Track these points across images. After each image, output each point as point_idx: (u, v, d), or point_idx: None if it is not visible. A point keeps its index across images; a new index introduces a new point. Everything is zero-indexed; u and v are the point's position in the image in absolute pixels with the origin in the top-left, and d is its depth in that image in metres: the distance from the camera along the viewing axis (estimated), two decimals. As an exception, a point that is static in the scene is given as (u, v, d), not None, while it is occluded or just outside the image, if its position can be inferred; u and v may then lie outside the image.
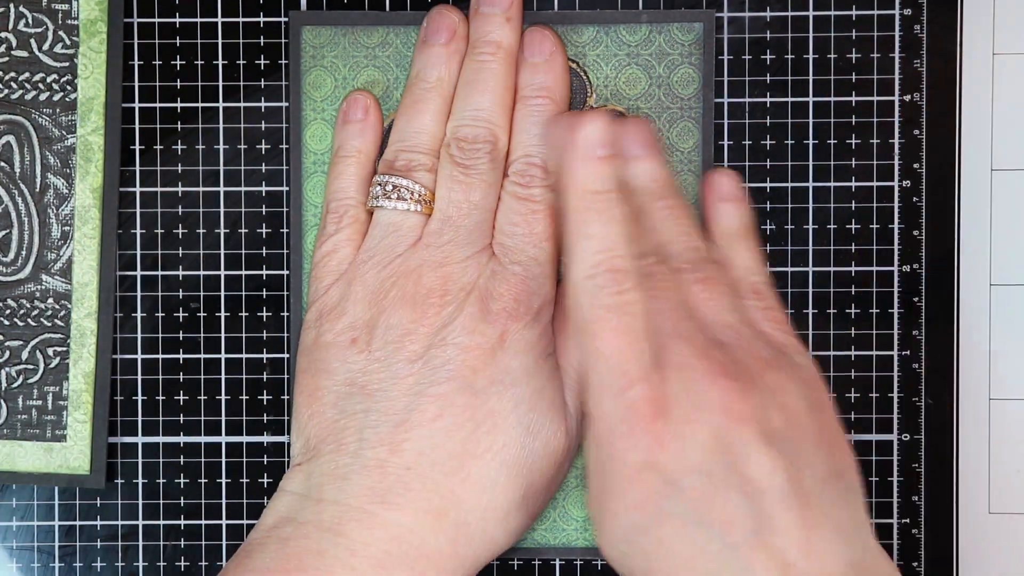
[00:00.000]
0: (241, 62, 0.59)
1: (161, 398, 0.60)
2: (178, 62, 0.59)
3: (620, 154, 0.52)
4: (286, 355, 0.60)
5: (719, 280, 0.53)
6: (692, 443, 0.48)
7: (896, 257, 0.59)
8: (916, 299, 0.59)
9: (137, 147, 0.59)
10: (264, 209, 0.59)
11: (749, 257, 0.55)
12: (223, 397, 0.60)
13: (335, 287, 0.56)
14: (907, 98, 0.59)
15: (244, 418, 0.60)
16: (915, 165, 0.59)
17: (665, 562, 0.48)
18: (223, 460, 0.60)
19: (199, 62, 0.59)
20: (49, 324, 0.59)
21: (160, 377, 0.60)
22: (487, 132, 0.55)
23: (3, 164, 0.59)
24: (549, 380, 0.54)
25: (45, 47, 0.58)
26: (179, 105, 0.59)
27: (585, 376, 0.50)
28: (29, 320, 0.59)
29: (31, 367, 0.59)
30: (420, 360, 0.53)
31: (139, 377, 0.60)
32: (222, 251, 0.60)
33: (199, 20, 0.59)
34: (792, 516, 0.47)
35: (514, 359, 0.53)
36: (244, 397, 0.60)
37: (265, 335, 0.60)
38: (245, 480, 0.60)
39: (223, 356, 0.60)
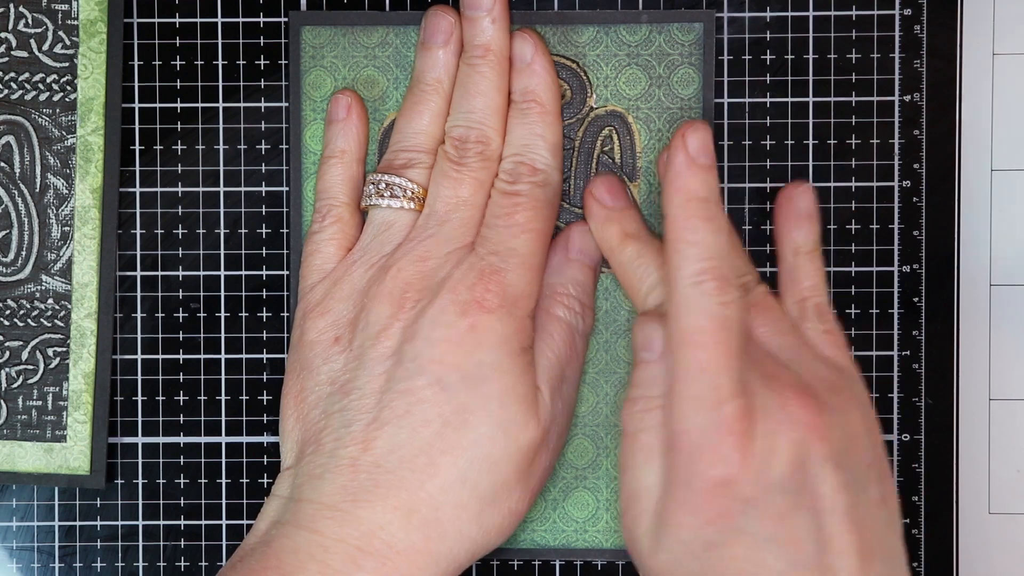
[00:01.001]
0: (241, 62, 0.59)
1: (161, 398, 0.60)
2: (178, 62, 0.59)
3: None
4: (286, 355, 0.59)
5: (771, 304, 0.53)
6: (775, 460, 0.48)
7: (896, 257, 0.59)
8: (916, 299, 0.59)
9: (137, 147, 0.59)
10: (264, 209, 0.59)
11: (816, 276, 0.54)
12: (223, 397, 0.60)
13: (320, 285, 0.56)
14: (907, 98, 0.59)
15: (244, 418, 0.60)
16: (915, 165, 0.59)
17: None
18: (223, 460, 0.60)
19: (199, 62, 0.59)
20: (49, 324, 0.59)
21: (160, 377, 0.60)
22: (479, 133, 0.55)
23: (3, 164, 0.59)
24: (522, 375, 0.53)
25: (45, 47, 0.58)
26: (179, 105, 0.59)
27: (673, 388, 0.49)
28: (29, 320, 0.59)
29: (31, 367, 0.59)
30: (393, 356, 0.53)
31: (139, 377, 0.60)
32: (222, 251, 0.60)
33: (199, 20, 0.59)
34: (849, 539, 0.48)
35: (486, 353, 0.53)
36: (244, 397, 0.60)
37: (265, 335, 0.60)
38: (245, 480, 0.60)
39: (223, 356, 0.60)
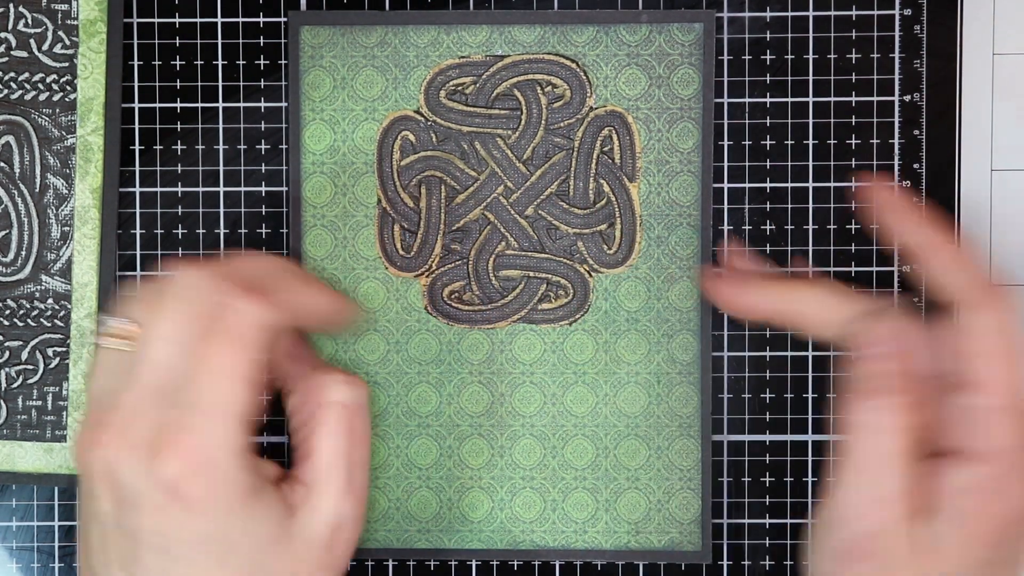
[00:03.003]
0: (241, 62, 0.59)
1: (161, 398, 0.60)
2: (178, 62, 0.59)
3: None
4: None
5: None
6: None
7: (896, 257, 0.59)
8: (916, 299, 0.59)
9: (137, 147, 0.59)
10: (264, 209, 0.59)
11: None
12: (223, 397, 0.60)
13: None
14: (907, 98, 0.59)
15: (244, 418, 0.60)
16: (915, 165, 0.59)
17: None
18: (223, 460, 0.60)
19: (199, 62, 0.59)
20: (49, 324, 0.59)
21: (160, 377, 0.60)
22: None
23: (3, 164, 0.59)
24: (246, 521, 0.50)
25: (45, 47, 0.58)
26: (179, 105, 0.59)
27: None
28: (29, 320, 0.59)
29: (31, 367, 0.59)
30: (114, 522, 0.50)
31: (139, 377, 0.60)
32: (222, 251, 0.60)
33: (199, 20, 0.59)
34: None
35: (193, 515, 0.49)
36: (244, 397, 0.60)
37: (265, 335, 0.60)
38: (245, 480, 0.60)
39: (223, 356, 0.60)
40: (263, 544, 0.50)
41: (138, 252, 0.59)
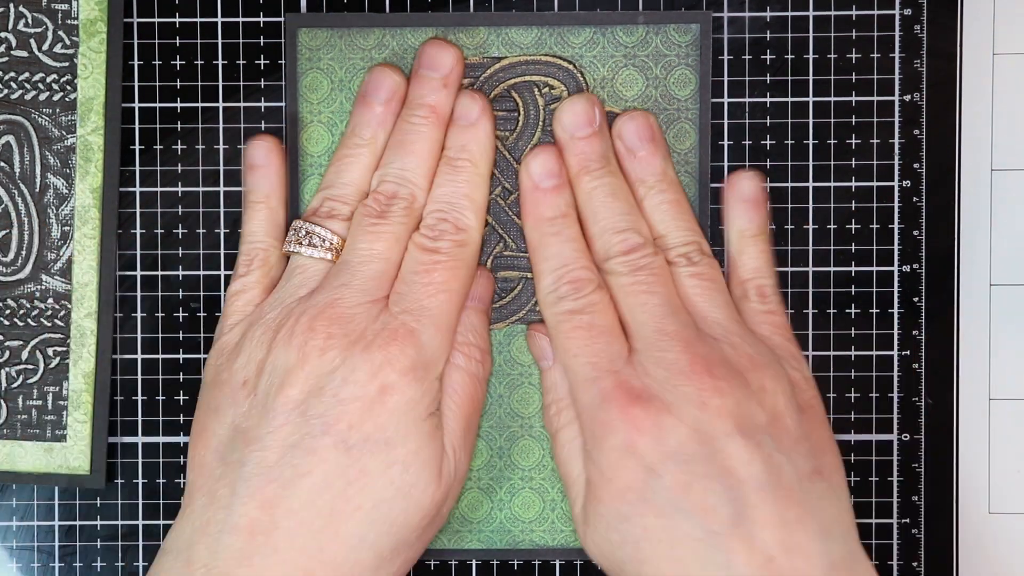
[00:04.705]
0: (240, 62, 0.59)
1: (161, 398, 0.60)
2: (178, 62, 0.59)
3: (567, 181, 0.56)
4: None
5: (714, 276, 0.55)
6: (670, 430, 0.50)
7: (896, 257, 0.59)
8: (916, 299, 0.59)
9: (137, 147, 0.59)
10: (263, 209, 0.59)
11: (759, 259, 0.57)
12: (223, 397, 0.60)
13: (238, 327, 0.55)
14: (907, 98, 0.59)
15: (243, 418, 0.60)
16: (915, 165, 0.59)
17: (650, 551, 0.50)
18: (222, 460, 0.60)
19: (199, 62, 0.59)
20: (49, 324, 0.59)
21: (160, 377, 0.60)
22: (407, 191, 0.55)
23: (3, 164, 0.59)
24: (428, 439, 0.53)
25: (45, 47, 0.58)
26: (179, 105, 0.59)
27: (568, 380, 0.55)
28: (29, 320, 0.59)
29: (31, 367, 0.59)
30: (297, 409, 0.52)
31: (139, 377, 0.60)
32: (222, 251, 0.60)
33: (199, 20, 0.59)
34: (771, 509, 0.49)
35: (393, 418, 0.52)
36: (243, 397, 0.60)
37: (264, 335, 0.60)
38: (244, 480, 0.60)
39: (222, 356, 0.60)
40: (420, 470, 0.52)
41: (138, 252, 0.60)
